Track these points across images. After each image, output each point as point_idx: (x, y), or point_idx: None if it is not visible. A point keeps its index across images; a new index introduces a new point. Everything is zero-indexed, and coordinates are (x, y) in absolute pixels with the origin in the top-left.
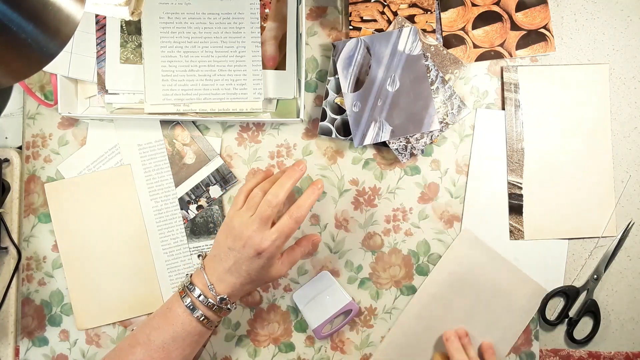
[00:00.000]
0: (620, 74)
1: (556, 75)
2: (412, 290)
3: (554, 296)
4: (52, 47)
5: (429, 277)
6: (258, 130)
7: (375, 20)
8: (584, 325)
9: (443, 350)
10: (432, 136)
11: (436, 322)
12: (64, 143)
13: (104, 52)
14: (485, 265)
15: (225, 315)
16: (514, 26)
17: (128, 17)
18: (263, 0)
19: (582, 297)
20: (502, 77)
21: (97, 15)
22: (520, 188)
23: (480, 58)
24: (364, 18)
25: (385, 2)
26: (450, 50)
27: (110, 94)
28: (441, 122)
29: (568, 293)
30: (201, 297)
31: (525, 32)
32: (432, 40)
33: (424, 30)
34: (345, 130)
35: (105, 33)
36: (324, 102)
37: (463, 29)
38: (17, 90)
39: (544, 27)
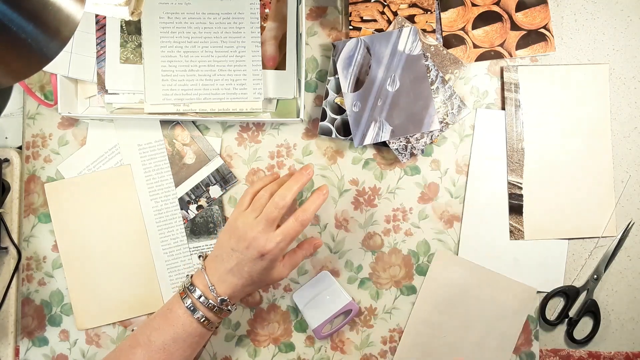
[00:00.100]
0: (620, 74)
1: (556, 75)
2: (412, 290)
3: (554, 296)
4: (52, 47)
5: (416, 306)
6: (258, 130)
7: (375, 20)
8: (584, 325)
9: None
10: (432, 136)
11: (432, 349)
12: (64, 143)
13: (104, 52)
14: (468, 279)
15: (225, 316)
16: (514, 26)
17: (128, 17)
18: (263, 0)
19: (582, 297)
20: (502, 77)
21: (97, 15)
22: (521, 188)
23: (480, 58)
24: (364, 18)
25: (385, 2)
26: (450, 50)
27: (110, 94)
28: (441, 122)
29: (568, 293)
30: (202, 299)
31: (525, 32)
32: (432, 40)
33: (424, 30)
34: (345, 130)
35: (105, 33)
36: (324, 102)
37: (463, 29)
38: (17, 90)
39: (544, 27)
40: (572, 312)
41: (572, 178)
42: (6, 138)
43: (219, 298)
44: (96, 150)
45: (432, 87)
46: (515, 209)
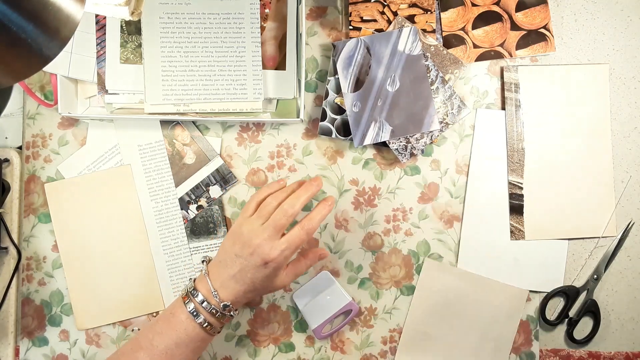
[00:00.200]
0: (620, 74)
1: (556, 75)
2: (412, 290)
3: (554, 296)
4: (52, 47)
5: (408, 318)
6: (258, 130)
7: (375, 20)
8: (584, 325)
9: None
10: (432, 136)
11: (427, 355)
12: (64, 143)
13: (104, 52)
14: (457, 286)
15: (227, 322)
16: (514, 26)
17: (128, 17)
18: (263, 0)
19: (582, 297)
20: (502, 77)
21: (97, 15)
22: (521, 188)
23: (480, 58)
24: (364, 18)
25: (385, 2)
26: (450, 50)
27: (110, 94)
28: (441, 122)
29: (568, 293)
30: (204, 304)
31: (525, 32)
32: (432, 40)
33: (424, 30)
34: (345, 130)
35: (105, 33)
36: (324, 102)
37: (463, 29)
38: (17, 90)
39: (544, 27)
40: (572, 312)
41: (572, 178)
42: (6, 138)
43: (222, 303)
44: (96, 151)
45: (432, 87)
46: (516, 209)
